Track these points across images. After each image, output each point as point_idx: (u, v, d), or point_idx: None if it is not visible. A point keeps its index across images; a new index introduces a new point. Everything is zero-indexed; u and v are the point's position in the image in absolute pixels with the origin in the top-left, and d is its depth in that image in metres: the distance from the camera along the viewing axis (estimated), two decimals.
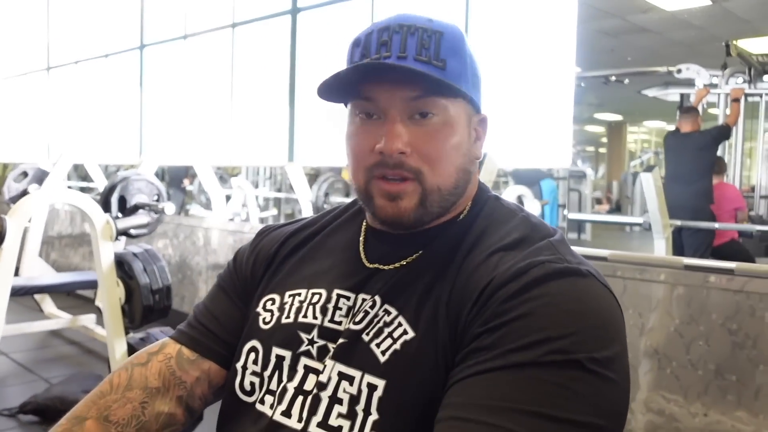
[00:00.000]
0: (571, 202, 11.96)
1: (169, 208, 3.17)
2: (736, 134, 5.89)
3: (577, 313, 0.68)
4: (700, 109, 5.74)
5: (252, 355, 0.88)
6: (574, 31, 2.55)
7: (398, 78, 0.76)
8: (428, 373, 0.74)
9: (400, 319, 0.78)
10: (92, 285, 3.52)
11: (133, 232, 3.33)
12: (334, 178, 4.31)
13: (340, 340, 0.80)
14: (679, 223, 3.51)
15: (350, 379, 0.77)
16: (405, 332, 0.76)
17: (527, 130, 2.71)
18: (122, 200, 3.30)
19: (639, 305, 2.36)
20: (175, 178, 8.94)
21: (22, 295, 3.68)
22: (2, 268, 2.10)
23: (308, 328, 0.84)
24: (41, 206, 2.34)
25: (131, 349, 2.43)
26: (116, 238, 2.41)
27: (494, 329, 0.69)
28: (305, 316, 0.85)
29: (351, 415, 0.75)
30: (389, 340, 0.77)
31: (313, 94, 0.82)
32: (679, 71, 6.18)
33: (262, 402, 0.84)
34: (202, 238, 4.33)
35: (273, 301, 0.90)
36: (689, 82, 6.27)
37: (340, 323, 0.83)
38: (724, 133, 5.09)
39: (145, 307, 2.40)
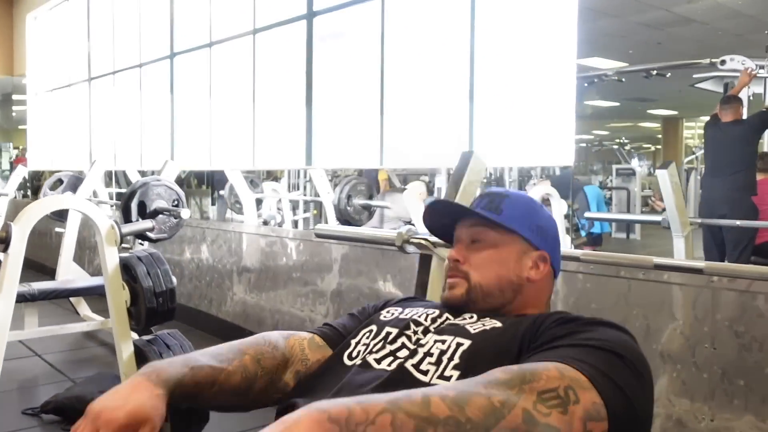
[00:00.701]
0: (621, 201, 11.66)
1: (185, 213, 3.24)
2: None
3: (623, 339, 0.97)
4: (745, 99, 5.51)
5: (367, 333, 1.16)
6: (574, 23, 2.48)
7: (466, 217, 1.22)
8: (506, 345, 1.00)
9: (493, 320, 1.08)
10: None
11: (152, 236, 3.42)
12: (356, 180, 4.31)
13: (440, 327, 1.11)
14: (699, 221, 3.37)
15: (443, 341, 1.04)
16: (495, 323, 1.07)
17: (529, 128, 2.65)
18: (142, 205, 3.39)
19: (644, 306, 2.27)
20: (222, 183, 9.12)
21: (54, 298, 3.83)
22: (8, 273, 2.19)
23: (418, 323, 1.13)
24: (44, 213, 2.42)
25: (138, 351, 2.49)
26: (120, 243, 2.47)
27: (567, 335, 0.97)
28: (419, 317, 1.15)
29: (438, 363, 1.01)
30: (481, 326, 1.07)
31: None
32: (722, 62, 5.94)
33: (363, 360, 1.10)
34: (231, 242, 4.40)
35: (396, 309, 1.21)
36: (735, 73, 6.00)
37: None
38: (766, 119, 4.84)
39: (149, 310, 2.46)
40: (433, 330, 1.10)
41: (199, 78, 4.79)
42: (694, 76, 5.96)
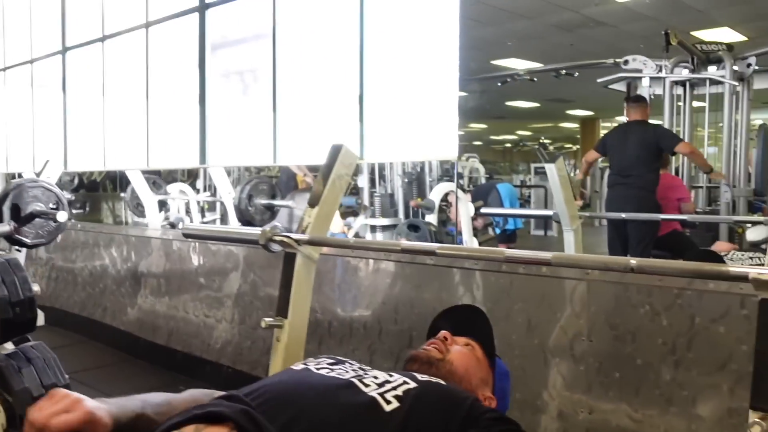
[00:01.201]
0: (539, 198, 11.91)
1: (62, 216, 3.05)
2: (683, 124, 5.79)
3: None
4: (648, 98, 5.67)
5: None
6: (456, 24, 2.46)
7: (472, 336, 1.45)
8: (451, 404, 1.13)
9: (437, 378, 1.25)
10: None
11: (28, 241, 3.21)
12: (258, 180, 4.18)
13: None
14: (587, 214, 3.41)
15: (390, 375, 1.15)
16: (439, 381, 1.23)
17: (418, 125, 2.63)
18: (16, 208, 3.17)
19: (525, 300, 2.26)
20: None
21: None
22: None
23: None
24: None
25: None
26: None
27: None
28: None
29: (381, 385, 1.10)
30: (428, 377, 1.22)
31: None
32: (625, 62, 6.10)
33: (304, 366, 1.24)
34: (125, 246, 4.19)
35: None
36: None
37: None
38: (668, 148, 4.93)
39: (5, 321, 2.27)
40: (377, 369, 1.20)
41: (93, 74, 4.56)
42: (598, 80, 6.10)
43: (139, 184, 4.96)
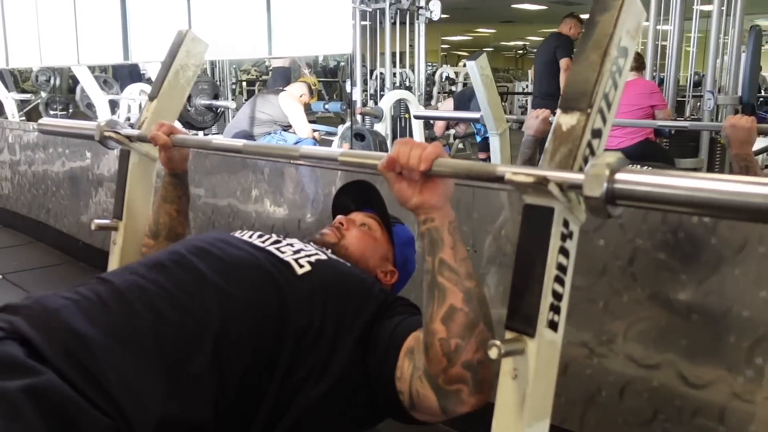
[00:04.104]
0: None
1: None
2: (672, 24, 5.39)
3: None
4: None
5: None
6: None
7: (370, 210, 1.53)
8: (359, 283, 1.26)
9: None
10: None
11: None
12: (197, 79, 3.97)
13: None
14: (515, 118, 3.21)
15: (306, 246, 1.29)
16: (346, 262, 1.35)
17: (305, 15, 2.45)
18: None
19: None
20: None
21: None
22: None
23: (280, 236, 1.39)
24: None
25: None
26: None
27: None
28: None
29: (296, 252, 1.24)
30: (335, 256, 1.34)
31: None
32: None
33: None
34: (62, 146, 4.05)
35: None
36: None
37: None
38: (559, 56, 4.70)
39: None
40: (298, 238, 1.32)
41: None
42: None
43: (87, 83, 4.78)
